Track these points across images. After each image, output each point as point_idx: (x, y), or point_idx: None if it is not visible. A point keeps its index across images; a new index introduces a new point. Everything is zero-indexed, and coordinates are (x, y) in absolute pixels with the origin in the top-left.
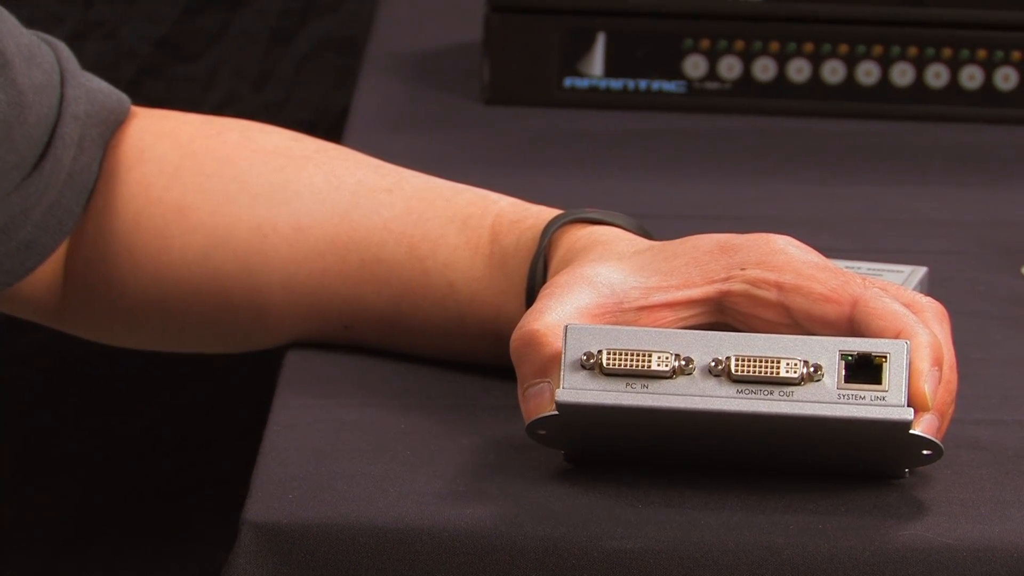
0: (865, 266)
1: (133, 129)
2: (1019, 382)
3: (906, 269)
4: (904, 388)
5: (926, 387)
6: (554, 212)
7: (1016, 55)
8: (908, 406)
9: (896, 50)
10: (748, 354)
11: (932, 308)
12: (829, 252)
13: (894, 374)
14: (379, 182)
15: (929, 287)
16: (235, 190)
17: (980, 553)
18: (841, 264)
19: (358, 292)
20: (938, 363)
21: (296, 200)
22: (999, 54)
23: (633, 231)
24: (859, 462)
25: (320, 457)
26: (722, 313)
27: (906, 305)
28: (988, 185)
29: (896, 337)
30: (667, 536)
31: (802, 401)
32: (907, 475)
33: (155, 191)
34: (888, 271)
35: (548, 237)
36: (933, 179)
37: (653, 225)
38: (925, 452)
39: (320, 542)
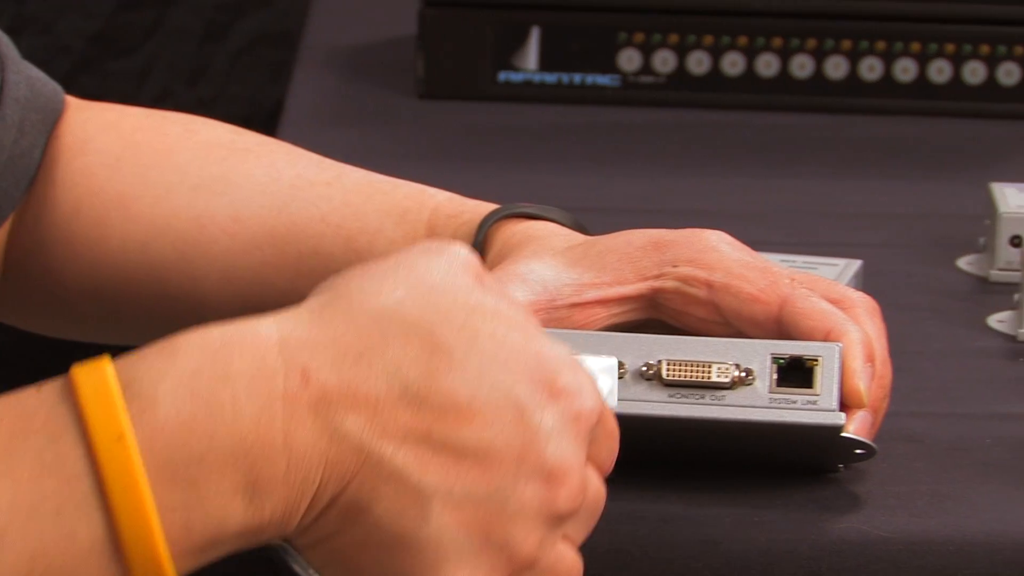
0: (799, 259)
1: (76, 120)
2: (954, 374)
3: (840, 262)
4: (836, 392)
5: (860, 384)
6: (490, 207)
7: (949, 48)
8: (840, 410)
9: (830, 43)
10: (680, 358)
11: (863, 303)
12: (763, 246)
13: (826, 377)
14: (319, 176)
15: (864, 280)
16: (175, 181)
17: (916, 546)
18: (775, 258)
19: (296, 285)
20: (871, 359)
21: (235, 191)
22: (932, 47)
23: (568, 226)
24: (794, 459)
25: None
26: (655, 309)
27: (837, 301)
28: (922, 177)
29: (826, 336)
30: (603, 530)
31: (733, 406)
32: (841, 470)
33: (96, 181)
34: (822, 264)
35: (483, 232)
36: (867, 172)
37: (588, 219)
38: (858, 451)
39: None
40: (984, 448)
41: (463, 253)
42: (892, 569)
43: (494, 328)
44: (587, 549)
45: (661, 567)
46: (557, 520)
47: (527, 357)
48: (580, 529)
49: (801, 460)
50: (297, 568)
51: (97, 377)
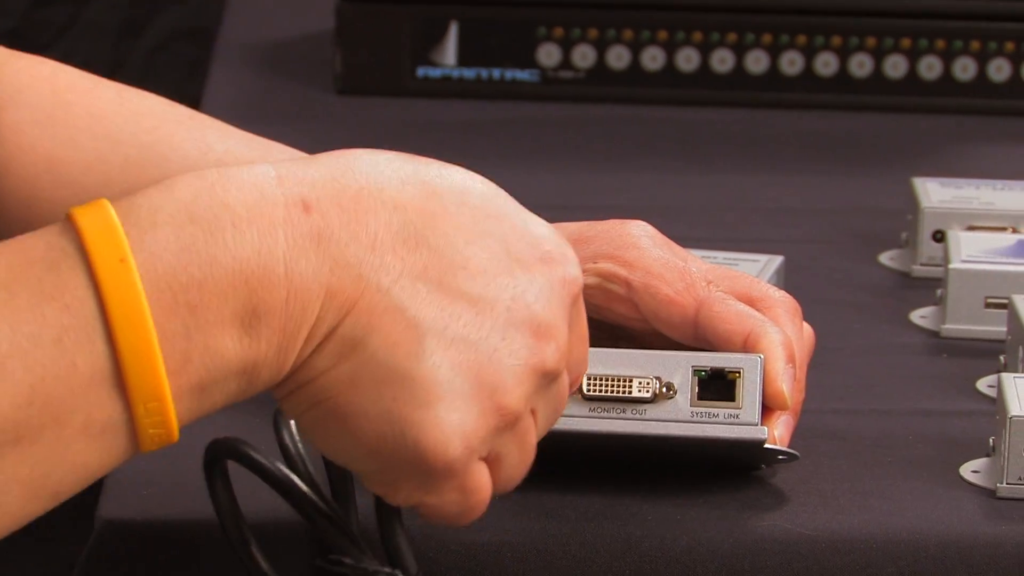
0: (721, 255)
1: (8, 69)
2: (876, 371)
3: (762, 258)
4: (758, 404)
5: (783, 387)
6: None
7: (871, 42)
8: (762, 420)
9: (750, 37)
10: (600, 372)
11: (783, 303)
12: (685, 242)
13: (748, 390)
14: (246, 153)
15: (785, 276)
16: (107, 149)
17: (839, 544)
18: (697, 254)
19: None
20: (792, 361)
21: (165, 165)
22: (853, 41)
23: None
24: (717, 464)
25: (175, 454)
26: None
27: (758, 300)
28: (844, 173)
29: (745, 339)
30: (523, 528)
31: (655, 420)
32: (764, 467)
33: (26, 139)
34: (744, 260)
35: None
36: (789, 167)
37: None
38: (781, 457)
39: (174, 539)
40: (907, 445)
41: None
42: (815, 567)
43: (484, 190)
44: (506, 547)
45: (582, 566)
46: (543, 378)
47: (516, 221)
48: (547, 413)
49: (724, 464)
50: (286, 437)
51: (96, 209)
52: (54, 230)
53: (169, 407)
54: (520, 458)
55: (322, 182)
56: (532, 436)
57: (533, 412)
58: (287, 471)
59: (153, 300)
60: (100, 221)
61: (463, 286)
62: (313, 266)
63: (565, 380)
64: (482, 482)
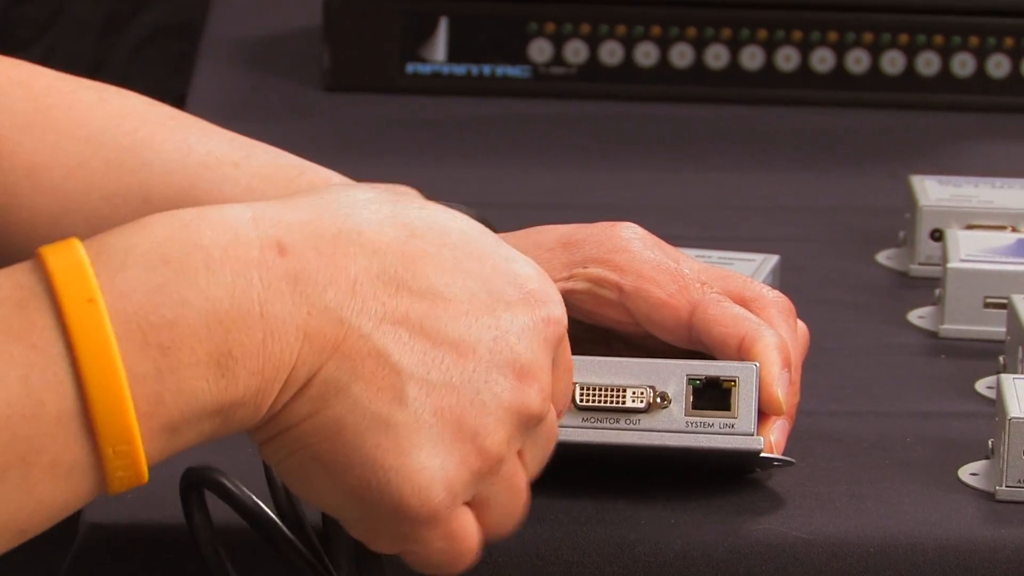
0: (715, 255)
1: None
2: (873, 372)
3: (757, 257)
4: (754, 414)
5: (778, 392)
6: None
7: (868, 37)
8: (757, 435)
9: (745, 33)
10: (593, 381)
11: (777, 303)
12: (678, 241)
13: (743, 399)
14: (228, 154)
15: (781, 275)
16: (88, 153)
17: (836, 548)
18: (691, 253)
19: None
20: (788, 365)
21: (146, 169)
22: (850, 36)
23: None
24: (711, 469)
25: None
26: (568, 309)
27: (751, 300)
28: (841, 170)
29: (740, 342)
30: (515, 533)
31: (648, 431)
32: (758, 471)
33: (6, 145)
34: (739, 259)
35: None
36: (784, 164)
37: (497, 215)
38: (776, 464)
39: (159, 543)
40: (905, 447)
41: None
42: (811, 572)
43: (465, 229)
44: (498, 552)
45: (574, 571)
46: (526, 420)
47: (497, 259)
48: (537, 452)
49: (718, 470)
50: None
51: (65, 248)
52: (24, 268)
53: (138, 450)
54: (510, 502)
55: (298, 224)
56: (520, 479)
57: (521, 455)
58: (259, 503)
59: (123, 341)
60: (69, 260)
61: (445, 329)
62: (289, 308)
63: (552, 419)
64: (468, 529)
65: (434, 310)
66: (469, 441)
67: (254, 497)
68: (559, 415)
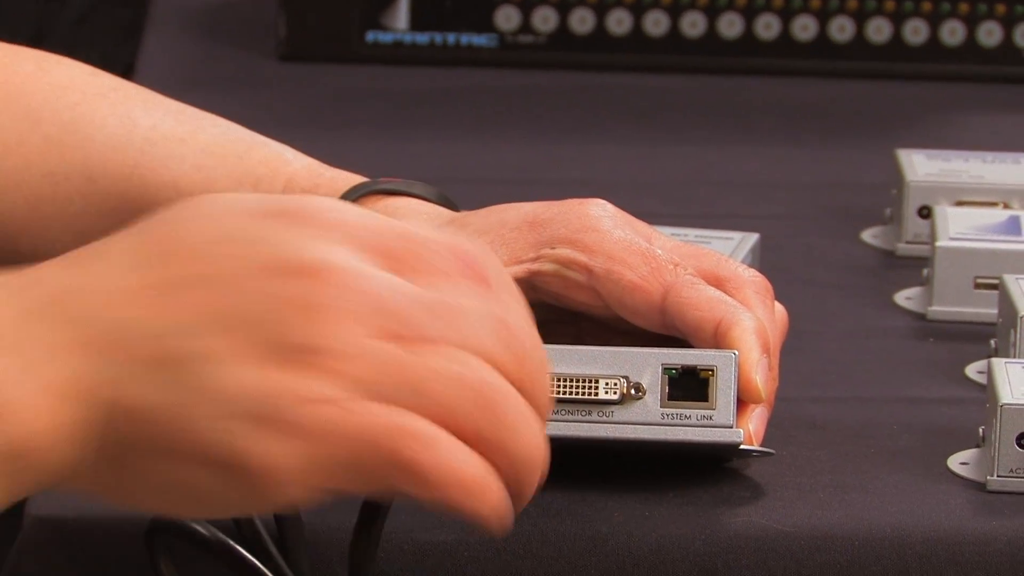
0: (692, 233)
1: None
2: (858, 356)
3: (736, 236)
4: (732, 405)
5: (757, 378)
6: (351, 179)
7: (852, 4)
8: (736, 427)
9: None
10: (564, 371)
11: (754, 283)
12: (653, 218)
13: (722, 390)
14: (175, 129)
15: (761, 255)
16: (27, 129)
17: (819, 541)
18: (667, 231)
19: None
20: (766, 350)
21: (88, 146)
22: (834, 3)
23: (434, 201)
24: (687, 460)
25: None
26: (534, 290)
27: (726, 280)
28: (824, 144)
29: (716, 326)
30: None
31: (623, 423)
32: (735, 461)
33: None
34: (716, 238)
35: None
36: (764, 138)
37: (461, 191)
38: (755, 455)
39: (106, 536)
40: (891, 435)
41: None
42: (793, 566)
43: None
44: (463, 547)
45: (544, 566)
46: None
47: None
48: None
49: (694, 460)
50: None
51: None
52: None
53: None
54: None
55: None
56: (434, 360)
57: (435, 343)
58: (227, 539)
59: None
60: None
61: (189, 274)
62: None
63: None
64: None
65: (181, 263)
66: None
67: (221, 535)
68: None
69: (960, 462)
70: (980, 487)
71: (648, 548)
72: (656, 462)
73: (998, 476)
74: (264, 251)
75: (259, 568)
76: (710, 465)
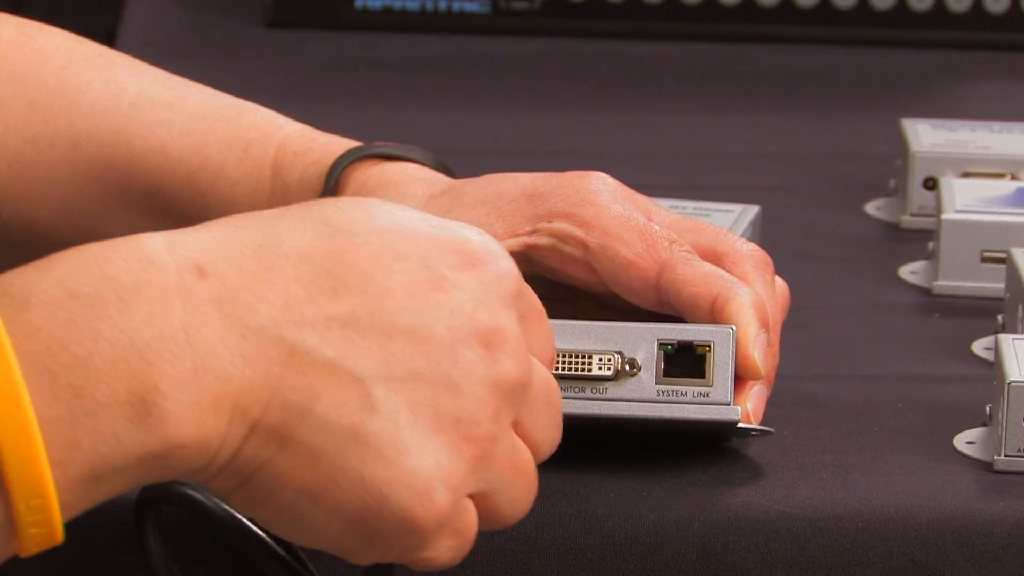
0: (691, 205)
1: None
2: (861, 332)
3: (736, 208)
4: (730, 381)
5: (755, 354)
6: (344, 144)
7: None
8: (734, 404)
9: None
10: (557, 347)
11: (752, 257)
12: (651, 190)
13: (719, 366)
14: (162, 95)
15: (762, 228)
16: (10, 94)
17: (821, 522)
18: (665, 204)
19: (141, 221)
20: (765, 325)
21: (74, 111)
22: None
23: (431, 166)
24: (684, 438)
25: None
26: (529, 264)
27: (724, 254)
28: (827, 114)
29: (713, 302)
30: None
31: (617, 400)
32: (734, 440)
33: None
34: (716, 210)
35: (335, 176)
36: (766, 108)
37: (455, 162)
38: (754, 433)
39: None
40: (895, 413)
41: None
42: (794, 548)
43: (386, 211)
44: None
45: (539, 548)
46: (508, 390)
47: (428, 228)
48: (538, 418)
49: (692, 438)
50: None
51: None
52: None
53: (53, 504)
54: (515, 482)
55: (215, 245)
56: (521, 455)
57: (519, 426)
58: (236, 513)
59: (31, 383)
60: None
61: (394, 319)
62: (219, 331)
63: (543, 376)
64: (471, 520)
65: (379, 302)
66: (453, 429)
67: (230, 509)
68: (548, 364)
69: (966, 441)
70: (987, 467)
71: (645, 529)
72: (654, 442)
73: (1005, 455)
74: (457, 311)
75: (263, 539)
76: (709, 444)
